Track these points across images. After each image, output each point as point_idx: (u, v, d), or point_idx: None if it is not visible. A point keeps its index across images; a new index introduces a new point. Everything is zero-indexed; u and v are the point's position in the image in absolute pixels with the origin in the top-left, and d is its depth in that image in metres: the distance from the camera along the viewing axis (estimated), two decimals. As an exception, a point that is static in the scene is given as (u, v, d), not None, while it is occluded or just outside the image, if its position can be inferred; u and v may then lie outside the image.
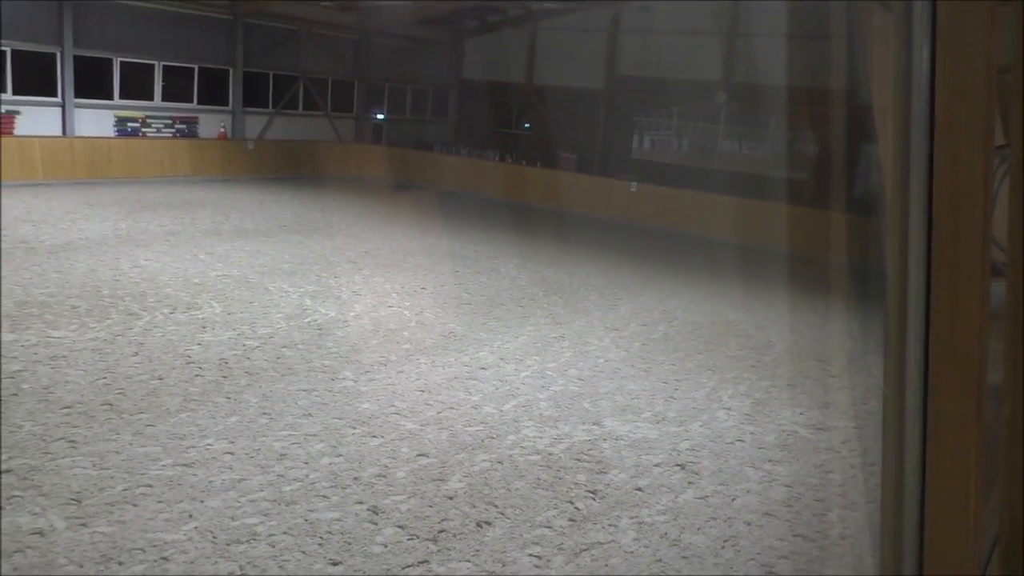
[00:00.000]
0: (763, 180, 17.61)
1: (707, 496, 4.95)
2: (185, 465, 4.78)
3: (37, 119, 15.94)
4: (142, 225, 12.06)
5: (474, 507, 4.62)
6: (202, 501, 4.40)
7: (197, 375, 6.21)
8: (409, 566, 4.00)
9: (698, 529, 4.55)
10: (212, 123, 19.25)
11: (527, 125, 24.05)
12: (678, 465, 5.36)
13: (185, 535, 4.07)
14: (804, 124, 17.73)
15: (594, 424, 5.93)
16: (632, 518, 4.63)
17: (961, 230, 1.23)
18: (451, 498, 4.70)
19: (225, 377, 6.23)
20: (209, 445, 5.06)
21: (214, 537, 4.07)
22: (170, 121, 18.39)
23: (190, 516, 4.24)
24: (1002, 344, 1.70)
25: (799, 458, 5.62)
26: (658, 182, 18.14)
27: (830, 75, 14.51)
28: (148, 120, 17.96)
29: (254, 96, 20.23)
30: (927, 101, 1.22)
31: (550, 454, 5.38)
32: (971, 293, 1.24)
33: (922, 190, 1.24)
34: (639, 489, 4.98)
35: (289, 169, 20.03)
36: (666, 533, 4.48)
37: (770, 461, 5.54)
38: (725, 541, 4.45)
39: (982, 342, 1.25)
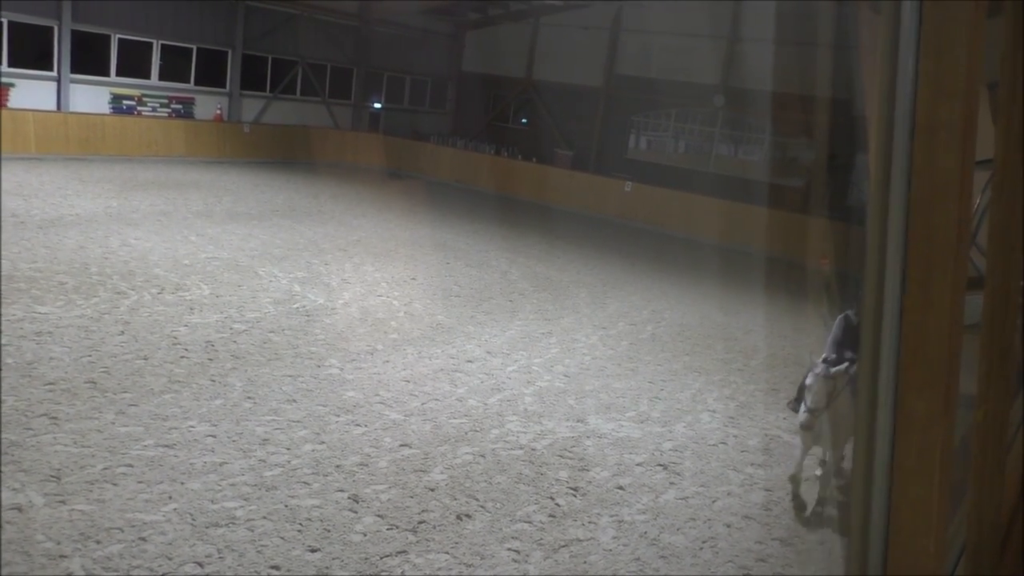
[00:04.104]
0: (757, 185, 17.64)
1: (688, 497, 4.97)
2: (167, 446, 4.76)
3: (32, 93, 15.80)
4: (133, 204, 11.99)
5: (455, 499, 4.62)
6: (182, 483, 4.39)
7: (182, 356, 6.18)
8: (387, 555, 4.00)
9: (677, 529, 4.57)
10: (209, 104, 19.13)
11: (524, 120, 24.03)
12: (660, 465, 5.37)
13: (164, 516, 4.05)
14: (800, 131, 17.77)
15: (578, 421, 5.95)
16: (612, 516, 4.64)
17: (936, 232, 1.24)
18: (432, 489, 4.70)
19: (211, 360, 6.21)
20: (192, 427, 5.04)
21: (193, 519, 4.07)
22: (166, 100, 18.26)
23: (170, 497, 4.23)
24: (978, 350, 1.71)
25: (780, 462, 5.64)
26: (652, 183, 18.16)
27: (827, 83, 14.54)
28: (144, 98, 17.83)
29: (252, 79, 20.10)
30: (910, 103, 1.23)
31: (533, 449, 5.39)
32: (943, 294, 1.24)
33: (902, 192, 1.25)
34: (620, 488, 5.00)
35: (284, 154, 19.93)
36: (646, 532, 4.50)
37: (752, 464, 5.56)
38: (704, 542, 4.47)
39: (952, 342, 1.25)
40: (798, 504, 5.03)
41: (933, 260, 1.23)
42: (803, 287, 12.49)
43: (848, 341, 5.07)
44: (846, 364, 4.68)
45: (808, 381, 4.65)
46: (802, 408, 4.78)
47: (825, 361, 4.75)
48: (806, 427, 4.63)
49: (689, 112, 20.64)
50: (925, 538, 1.30)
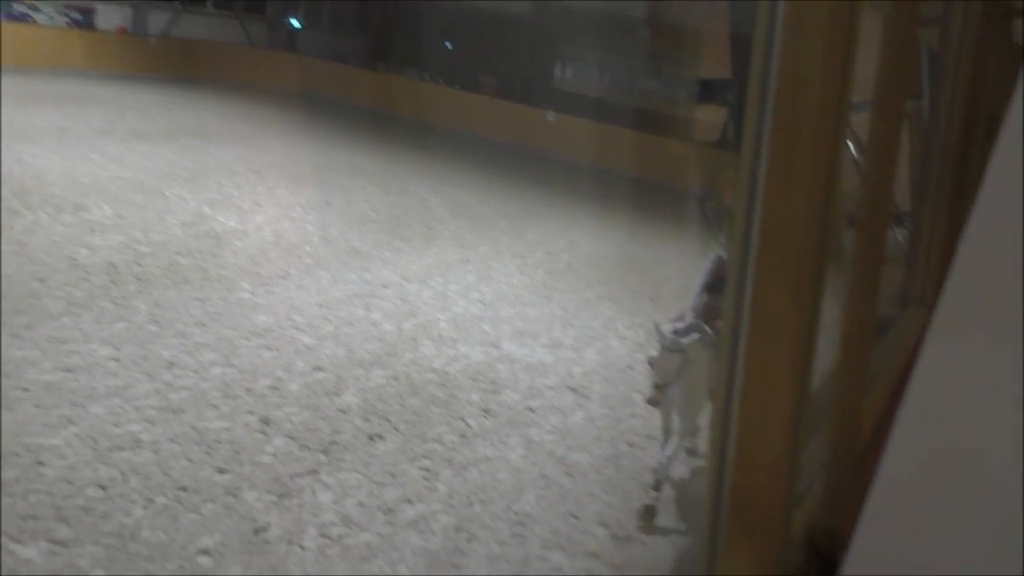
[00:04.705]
0: (677, 120, 17.81)
1: (595, 418, 5.14)
2: (66, 370, 4.61)
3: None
4: (28, 118, 11.27)
5: (367, 421, 4.66)
6: (83, 407, 4.28)
7: (83, 279, 5.94)
8: (298, 475, 4.02)
9: (584, 448, 4.73)
10: (111, 15, 17.92)
11: (449, 45, 23.46)
12: (570, 388, 5.52)
13: (64, 440, 3.96)
14: (721, 67, 17.93)
15: (492, 346, 6.03)
16: (522, 436, 4.77)
17: (799, 124, 1.27)
18: (344, 412, 4.72)
19: (114, 282, 5.99)
20: (93, 351, 4.89)
21: (95, 443, 3.98)
22: (63, 9, 17.03)
23: (70, 421, 4.12)
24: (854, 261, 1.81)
25: (685, 387, 5.87)
26: (577, 114, 18.10)
27: (743, 20, 14.65)
28: (37, 4, 16.58)
29: (158, -12, 18.92)
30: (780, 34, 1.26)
31: (446, 373, 5.45)
32: (800, 188, 1.28)
33: (771, 86, 1.28)
34: (531, 409, 5.12)
35: (194, 71, 18.94)
36: (553, 451, 4.64)
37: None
38: (607, 460, 4.65)
39: (807, 238, 1.30)
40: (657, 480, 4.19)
41: (793, 153, 1.27)
42: (718, 220, 12.80)
43: (721, 287, 4.36)
44: (697, 335, 4.03)
45: (653, 354, 4.04)
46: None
47: (676, 331, 4.03)
48: (652, 403, 4.03)
49: (615, 44, 20.51)
50: (770, 425, 1.38)
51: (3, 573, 3.08)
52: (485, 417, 4.93)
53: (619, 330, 6.85)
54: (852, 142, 6.01)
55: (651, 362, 4.04)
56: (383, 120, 18.23)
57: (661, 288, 8.37)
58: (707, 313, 4.35)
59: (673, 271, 9.20)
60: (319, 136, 14.25)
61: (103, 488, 3.67)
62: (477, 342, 6.06)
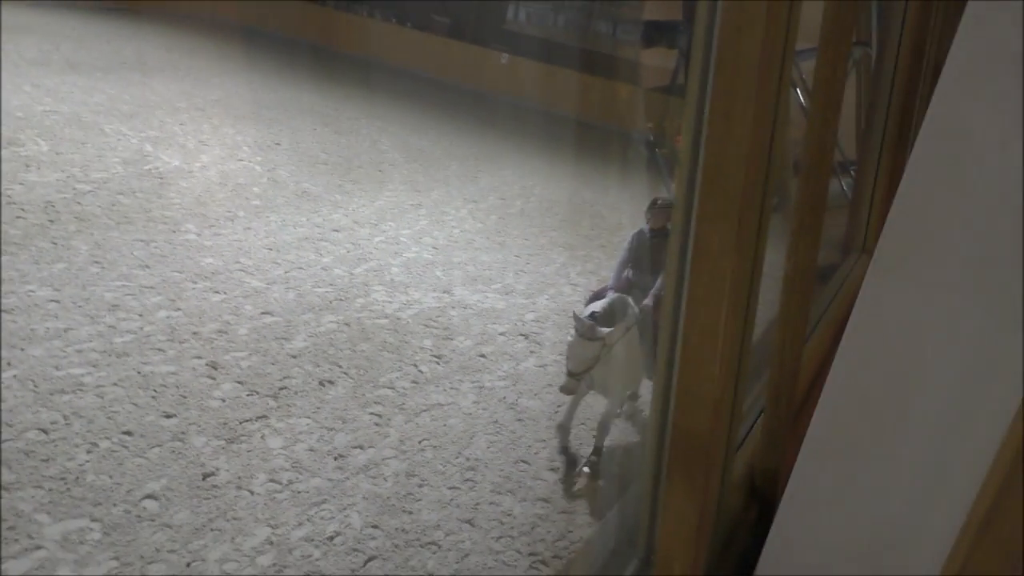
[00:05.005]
0: (631, 64, 17.69)
1: (546, 364, 5.19)
2: (3, 311, 4.46)
3: None
4: (-46, 46, 10.67)
5: (317, 366, 4.63)
6: (22, 349, 4.16)
7: (18, 216, 5.72)
8: (247, 420, 3.99)
9: (535, 395, 4.79)
10: (40, -64, 16.93)
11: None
12: (522, 335, 5.55)
13: (3, 383, 3.85)
14: (672, 12, 17.78)
15: (444, 292, 6.01)
16: (474, 383, 4.80)
17: (740, 62, 1.27)
18: (294, 357, 4.68)
19: (52, 221, 5.78)
20: (31, 292, 4.73)
21: (35, 386, 3.89)
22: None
23: (8, 364, 4.01)
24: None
25: (634, 333, 5.95)
26: (529, 56, 17.83)
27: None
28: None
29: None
30: None
31: (398, 319, 5.43)
32: (743, 126, 1.29)
33: (714, 21, 1.28)
34: (483, 356, 5.15)
35: (132, 0, 18.09)
36: (504, 397, 4.69)
37: (608, 335, 5.84)
38: (559, 406, 4.71)
39: (748, 176, 1.31)
40: (568, 459, 4.22)
41: (735, 91, 1.27)
42: (668, 166, 12.85)
43: (645, 262, 4.22)
44: (612, 328, 3.80)
45: (569, 339, 3.82)
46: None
47: (594, 315, 3.81)
48: (565, 391, 3.84)
49: (569, -16, 20.15)
50: (711, 365, 1.41)
51: (-58, 519, 3.02)
52: (437, 363, 4.94)
53: (571, 276, 6.88)
54: (802, 91, 6.05)
55: (568, 348, 3.79)
56: (331, 58, 17.73)
57: (614, 235, 8.41)
58: (630, 289, 4.19)
59: (625, 217, 9.25)
60: (265, 73, 13.81)
61: (45, 432, 3.60)
62: (430, 288, 6.04)
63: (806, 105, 6.00)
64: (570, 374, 3.72)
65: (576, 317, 3.77)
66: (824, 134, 2.03)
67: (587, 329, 3.71)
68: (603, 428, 4.19)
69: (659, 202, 4.30)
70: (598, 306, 3.95)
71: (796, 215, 2.01)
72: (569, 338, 3.79)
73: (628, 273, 4.26)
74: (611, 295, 4.10)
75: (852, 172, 5.99)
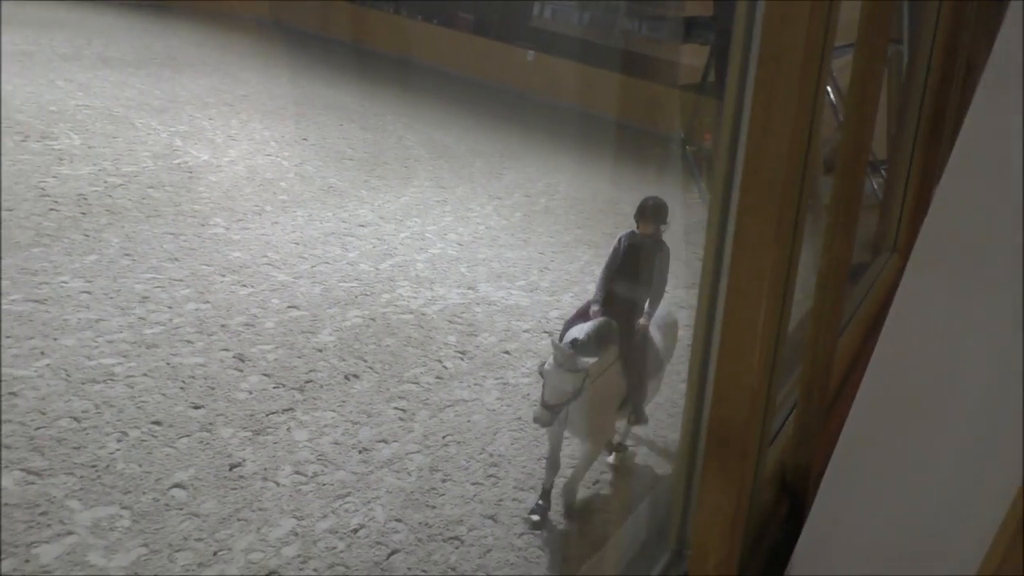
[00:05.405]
0: (659, 62, 17.59)
1: (570, 362, 5.18)
2: (37, 301, 4.54)
3: None
4: (-11, 41, 10.85)
5: (343, 360, 4.66)
6: (55, 339, 4.22)
7: (52, 209, 5.81)
8: (273, 412, 4.03)
9: (558, 391, 4.78)
10: (74, -67, 17.17)
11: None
12: (546, 332, 5.55)
13: (36, 372, 3.92)
14: (701, 9, 17.66)
15: (469, 288, 6.02)
16: (498, 379, 4.80)
17: (784, 55, 1.27)
18: (320, 350, 4.71)
19: (84, 214, 5.86)
20: (64, 283, 4.81)
21: (68, 375, 3.95)
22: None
23: (42, 353, 4.07)
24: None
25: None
26: (555, 54, 17.80)
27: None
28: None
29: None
30: None
31: (423, 314, 5.45)
32: (785, 118, 1.28)
33: (757, 12, 1.28)
34: (507, 352, 5.15)
35: (163, -3, 18.28)
36: (528, 394, 4.69)
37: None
38: (582, 403, 4.70)
39: (790, 168, 1.31)
40: (545, 505, 3.68)
41: (777, 82, 1.27)
42: (697, 164, 12.79)
43: (634, 271, 3.73)
44: (593, 360, 3.35)
45: (546, 367, 3.35)
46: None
47: (574, 344, 3.36)
48: (541, 423, 3.39)
49: (596, -18, 20.08)
50: (749, 356, 1.40)
51: (-24, 504, 3.08)
52: (461, 359, 4.96)
53: (596, 274, 6.84)
54: (832, 89, 5.99)
55: (542, 374, 3.36)
56: (358, 54, 17.82)
57: (638, 233, 8.38)
58: (614, 303, 3.71)
59: (650, 217, 9.20)
60: (293, 69, 13.91)
61: (76, 420, 3.66)
62: (454, 284, 6.05)
63: (836, 103, 5.94)
64: (545, 406, 3.31)
65: (555, 345, 3.35)
66: (860, 130, 2.01)
67: (568, 359, 3.28)
68: (569, 490, 3.70)
69: (650, 203, 3.70)
70: (581, 332, 3.46)
71: (832, 210, 1.99)
72: (547, 366, 3.34)
73: (612, 286, 3.78)
74: (596, 319, 3.59)
75: (882, 171, 5.91)
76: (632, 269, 3.72)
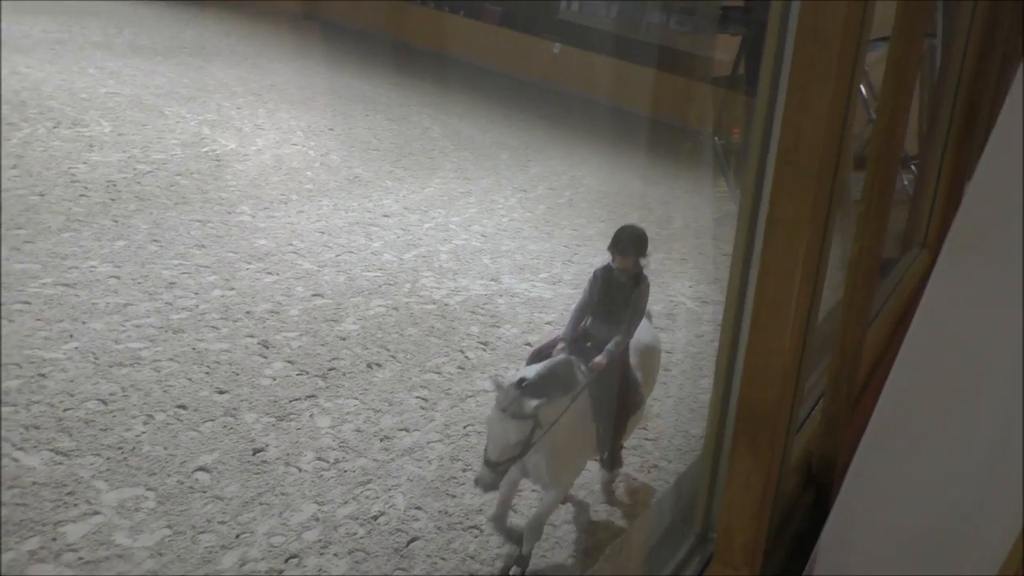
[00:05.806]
0: (688, 55, 17.46)
1: (592, 355, 5.17)
2: (66, 285, 4.61)
3: None
4: (23, 28, 11.00)
5: (366, 349, 4.68)
6: (84, 322, 4.29)
7: (82, 195, 5.89)
8: (296, 399, 4.06)
9: (580, 384, 4.77)
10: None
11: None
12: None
13: (65, 354, 3.98)
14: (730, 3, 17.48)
15: (492, 280, 6.03)
16: (519, 370, 4.80)
17: (821, 36, 1.26)
18: (344, 339, 4.74)
19: (113, 200, 5.94)
20: (93, 267, 4.88)
21: (96, 358, 4.01)
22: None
23: (71, 336, 4.14)
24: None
25: (682, 327, 5.90)
26: (582, 47, 17.73)
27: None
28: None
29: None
30: None
31: (446, 305, 5.46)
32: (821, 101, 1.28)
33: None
34: (529, 344, 5.15)
35: (193, -13, 18.43)
36: (549, 385, 4.68)
37: (655, 328, 5.80)
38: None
39: (825, 151, 1.30)
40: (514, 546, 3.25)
41: (815, 64, 1.26)
42: (726, 158, 12.68)
43: (608, 309, 3.19)
44: (540, 401, 2.71)
45: (490, 415, 2.80)
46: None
47: (521, 384, 2.74)
48: (484, 487, 2.78)
49: (624, -26, 19.95)
50: (781, 336, 1.39)
51: (5, 480, 3.14)
52: (483, 350, 4.97)
53: (619, 268, 6.84)
54: (862, 84, 5.90)
55: (487, 426, 2.80)
56: (383, 45, 17.87)
57: (663, 228, 8.34)
58: (586, 342, 3.23)
59: (677, 209, 9.16)
60: (320, 59, 13.98)
61: (104, 402, 3.71)
62: (477, 275, 6.06)
63: (867, 98, 5.86)
64: (487, 464, 2.72)
65: (498, 384, 2.75)
66: (895, 119, 1.99)
67: (511, 402, 2.67)
68: (533, 529, 3.16)
69: (627, 232, 3.14)
70: (531, 370, 2.90)
71: (864, 199, 1.97)
72: (490, 412, 2.81)
73: (587, 322, 3.28)
74: (555, 357, 3.08)
75: (912, 167, 5.83)
76: (608, 306, 3.21)
